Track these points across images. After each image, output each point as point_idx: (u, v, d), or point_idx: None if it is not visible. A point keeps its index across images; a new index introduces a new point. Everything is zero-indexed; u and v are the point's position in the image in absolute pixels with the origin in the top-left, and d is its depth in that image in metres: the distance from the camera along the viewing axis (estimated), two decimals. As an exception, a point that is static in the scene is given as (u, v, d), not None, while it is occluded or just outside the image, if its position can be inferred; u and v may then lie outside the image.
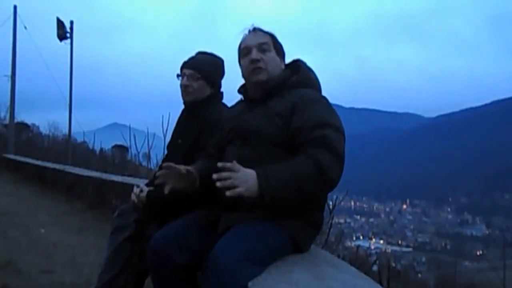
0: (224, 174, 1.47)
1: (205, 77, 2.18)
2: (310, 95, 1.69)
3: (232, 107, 1.98)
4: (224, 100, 2.29)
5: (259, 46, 1.76)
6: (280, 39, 1.85)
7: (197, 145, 2.08)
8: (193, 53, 2.28)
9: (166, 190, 1.69)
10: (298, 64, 1.84)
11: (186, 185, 1.72)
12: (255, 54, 1.75)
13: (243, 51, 1.80)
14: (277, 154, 1.60)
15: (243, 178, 1.46)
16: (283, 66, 1.84)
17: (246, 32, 1.84)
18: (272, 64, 1.76)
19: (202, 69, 2.18)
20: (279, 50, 1.82)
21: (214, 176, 1.50)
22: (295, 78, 1.77)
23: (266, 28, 1.85)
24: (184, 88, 2.19)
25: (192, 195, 1.76)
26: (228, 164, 1.49)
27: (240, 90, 1.90)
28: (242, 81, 1.88)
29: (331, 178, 1.51)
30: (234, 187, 1.45)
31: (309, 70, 1.84)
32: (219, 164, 1.51)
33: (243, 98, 1.91)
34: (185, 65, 2.21)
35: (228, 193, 1.47)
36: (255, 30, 1.82)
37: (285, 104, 1.66)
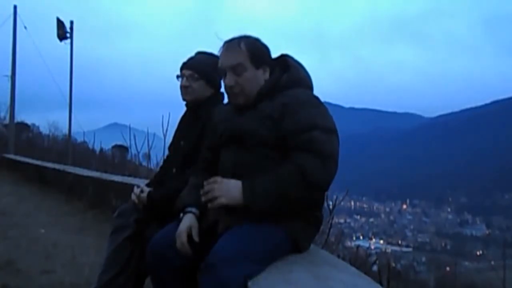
0: (206, 187, 1.53)
1: (204, 77, 2.18)
2: (300, 97, 1.63)
3: (224, 106, 1.93)
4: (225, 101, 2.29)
5: (233, 69, 1.65)
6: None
7: (198, 147, 2.08)
8: (193, 53, 2.28)
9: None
10: (285, 59, 1.76)
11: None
12: (228, 79, 1.66)
13: (220, 71, 1.72)
14: (271, 157, 1.60)
15: (225, 189, 1.51)
16: (267, 76, 1.71)
17: (221, 46, 1.71)
18: (249, 85, 1.66)
19: (201, 70, 2.18)
20: (259, 61, 1.68)
21: (201, 192, 1.57)
22: (285, 78, 1.69)
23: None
24: (183, 89, 2.19)
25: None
26: (210, 180, 1.55)
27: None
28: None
29: (316, 183, 1.50)
30: (216, 198, 1.50)
31: (299, 65, 1.76)
32: (204, 183, 1.57)
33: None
34: (184, 66, 2.21)
35: (209, 205, 1.53)
36: (227, 49, 1.69)
37: (275, 106, 1.61)
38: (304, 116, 1.57)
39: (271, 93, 1.67)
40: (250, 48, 1.67)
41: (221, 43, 1.72)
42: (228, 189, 1.52)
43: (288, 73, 1.71)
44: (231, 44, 1.69)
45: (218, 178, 1.55)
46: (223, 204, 1.51)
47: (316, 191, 1.54)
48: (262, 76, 1.70)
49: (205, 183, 1.57)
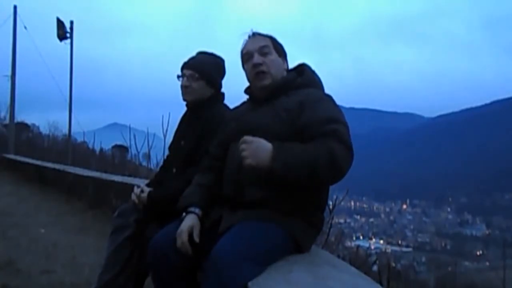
0: (240, 147, 1.50)
1: (204, 77, 2.19)
2: (316, 94, 1.72)
3: (237, 107, 1.98)
4: (225, 101, 2.29)
5: (260, 50, 1.79)
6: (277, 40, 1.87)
7: (199, 147, 2.08)
8: (193, 53, 2.29)
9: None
10: (303, 68, 1.87)
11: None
12: (256, 58, 1.78)
13: (245, 57, 1.83)
14: None
15: (254, 149, 1.49)
16: (286, 66, 1.86)
17: (246, 37, 1.86)
18: (274, 66, 1.79)
19: (202, 70, 2.18)
20: (280, 51, 1.85)
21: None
22: (300, 79, 1.80)
23: (265, 31, 1.87)
24: (184, 89, 2.20)
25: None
26: (241, 140, 1.52)
27: (246, 91, 1.92)
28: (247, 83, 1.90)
29: (342, 167, 1.51)
30: (246, 158, 1.48)
31: (313, 73, 1.87)
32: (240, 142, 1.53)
33: (249, 98, 1.92)
34: (185, 66, 2.21)
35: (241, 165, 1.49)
36: (254, 35, 1.85)
37: (291, 101, 1.69)
38: (324, 110, 1.63)
39: (285, 91, 1.75)
40: (273, 39, 1.85)
41: (245, 35, 1.86)
42: (257, 150, 1.48)
43: (303, 76, 1.82)
44: (256, 33, 1.86)
45: (248, 138, 1.52)
46: (252, 166, 1.48)
47: (338, 175, 1.53)
48: (283, 65, 1.84)
49: (240, 141, 1.53)
